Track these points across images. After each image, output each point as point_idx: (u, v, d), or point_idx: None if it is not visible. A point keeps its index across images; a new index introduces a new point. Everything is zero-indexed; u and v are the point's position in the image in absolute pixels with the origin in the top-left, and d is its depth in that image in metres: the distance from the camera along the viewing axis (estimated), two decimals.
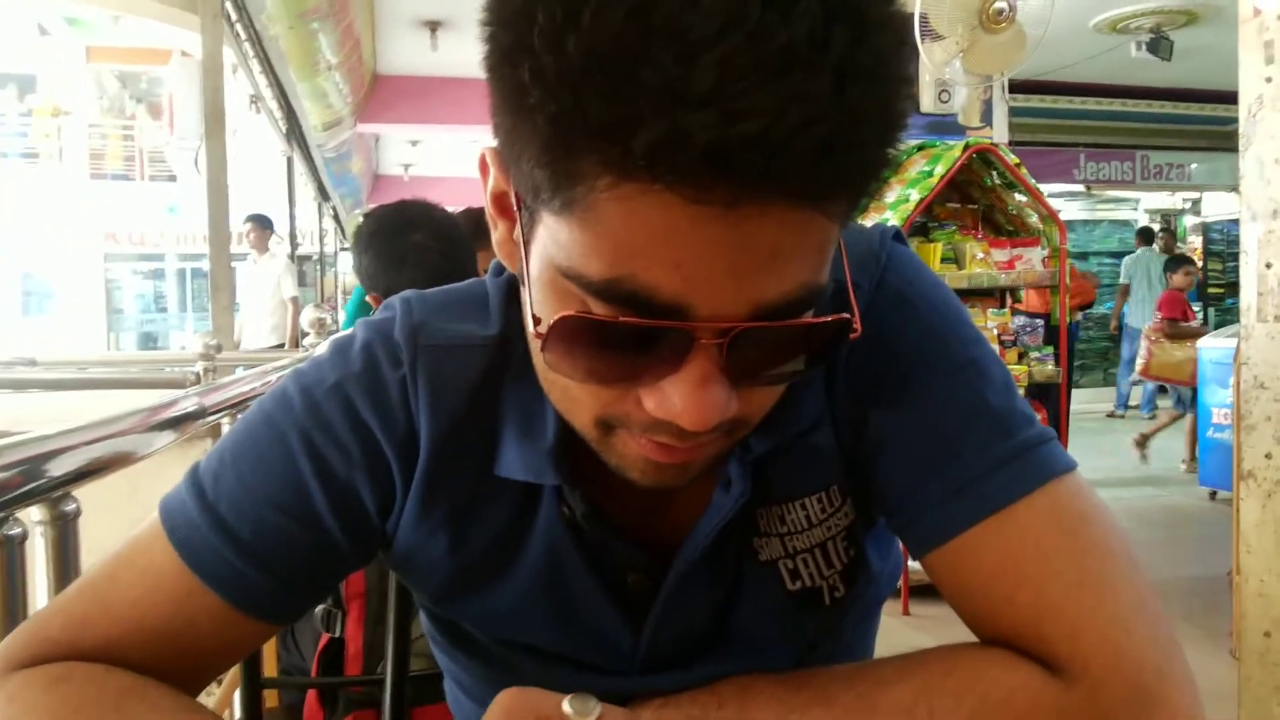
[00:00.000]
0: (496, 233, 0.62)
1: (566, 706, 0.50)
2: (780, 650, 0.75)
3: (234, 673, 1.42)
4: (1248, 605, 2.34)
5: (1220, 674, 2.85)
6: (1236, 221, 2.41)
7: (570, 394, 0.59)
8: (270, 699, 1.70)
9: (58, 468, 0.94)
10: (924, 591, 3.91)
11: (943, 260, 4.09)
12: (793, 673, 0.69)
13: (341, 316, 5.68)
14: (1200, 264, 10.90)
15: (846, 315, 0.57)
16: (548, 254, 0.54)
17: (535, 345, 0.56)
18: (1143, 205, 11.99)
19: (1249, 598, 2.34)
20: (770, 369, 0.57)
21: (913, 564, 0.68)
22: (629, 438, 0.59)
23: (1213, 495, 5.89)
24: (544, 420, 0.67)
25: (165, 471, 0.71)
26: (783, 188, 0.48)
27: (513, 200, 0.57)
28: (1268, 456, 2.30)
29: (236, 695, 1.25)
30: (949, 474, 0.66)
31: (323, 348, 0.73)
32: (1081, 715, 0.58)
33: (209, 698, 1.72)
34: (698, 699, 0.70)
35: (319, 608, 1.50)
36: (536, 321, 0.56)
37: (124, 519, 0.70)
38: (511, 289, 0.70)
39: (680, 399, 0.53)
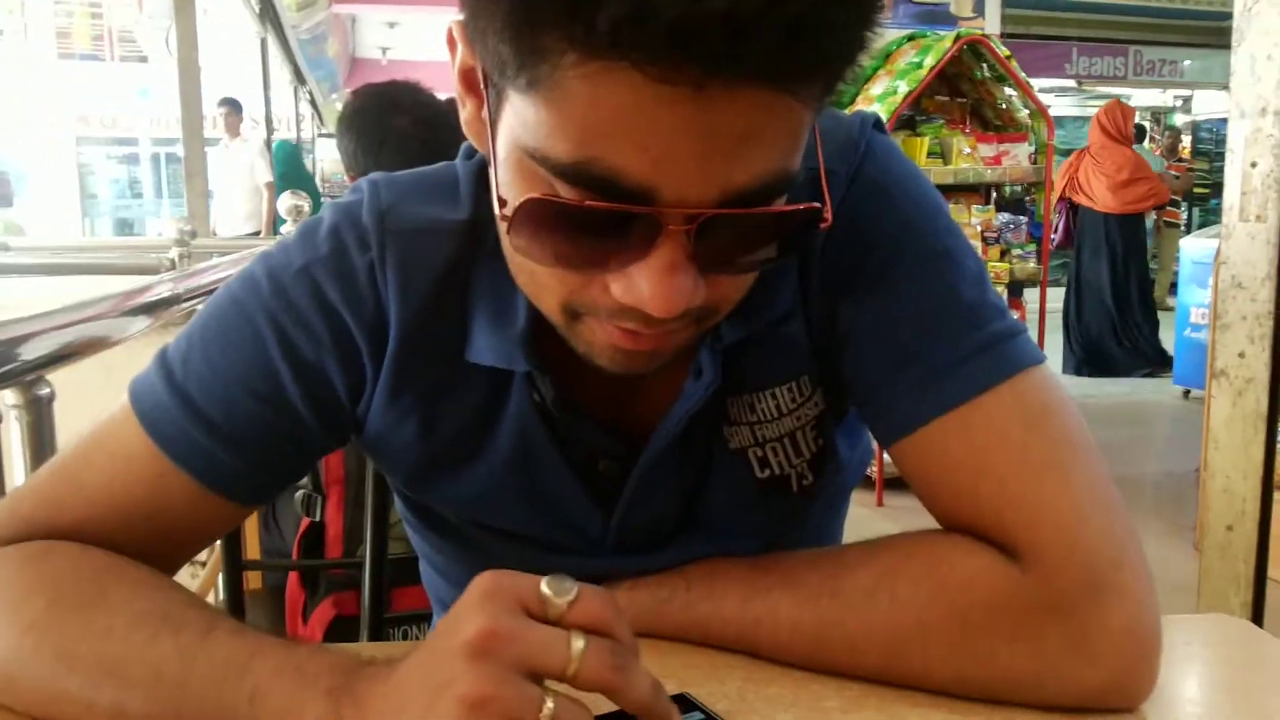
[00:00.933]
0: (465, 111, 0.60)
1: (544, 588, 0.50)
2: (748, 536, 0.76)
3: (217, 555, 1.44)
4: (1212, 500, 2.39)
5: (1182, 566, 2.93)
6: (1226, 121, 2.38)
7: (537, 278, 0.59)
8: (253, 581, 1.73)
9: (31, 351, 0.94)
10: (898, 484, 3.98)
11: (929, 155, 4.05)
12: (760, 556, 0.71)
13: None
14: (1188, 163, 10.85)
15: (818, 204, 0.56)
16: (514, 134, 0.53)
17: (502, 228, 0.56)
18: (1133, 102, 11.84)
19: (1214, 493, 2.39)
20: (739, 257, 0.57)
21: (887, 457, 0.68)
22: (596, 324, 0.59)
23: (1186, 394, 5.98)
24: (515, 306, 0.67)
25: (140, 358, 0.71)
26: (751, 69, 0.47)
27: (480, 77, 0.56)
28: (1241, 355, 2.33)
29: (221, 578, 1.27)
30: (918, 365, 0.66)
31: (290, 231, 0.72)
32: (1036, 599, 0.60)
33: (193, 580, 1.75)
34: (666, 581, 0.72)
35: (299, 493, 1.52)
36: (502, 203, 0.55)
37: (100, 406, 0.70)
38: (482, 172, 0.69)
39: (647, 285, 0.53)
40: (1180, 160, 9.51)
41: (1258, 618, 2.26)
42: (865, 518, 3.85)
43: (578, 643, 0.48)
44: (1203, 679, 0.69)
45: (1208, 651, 0.71)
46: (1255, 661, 0.70)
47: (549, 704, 0.47)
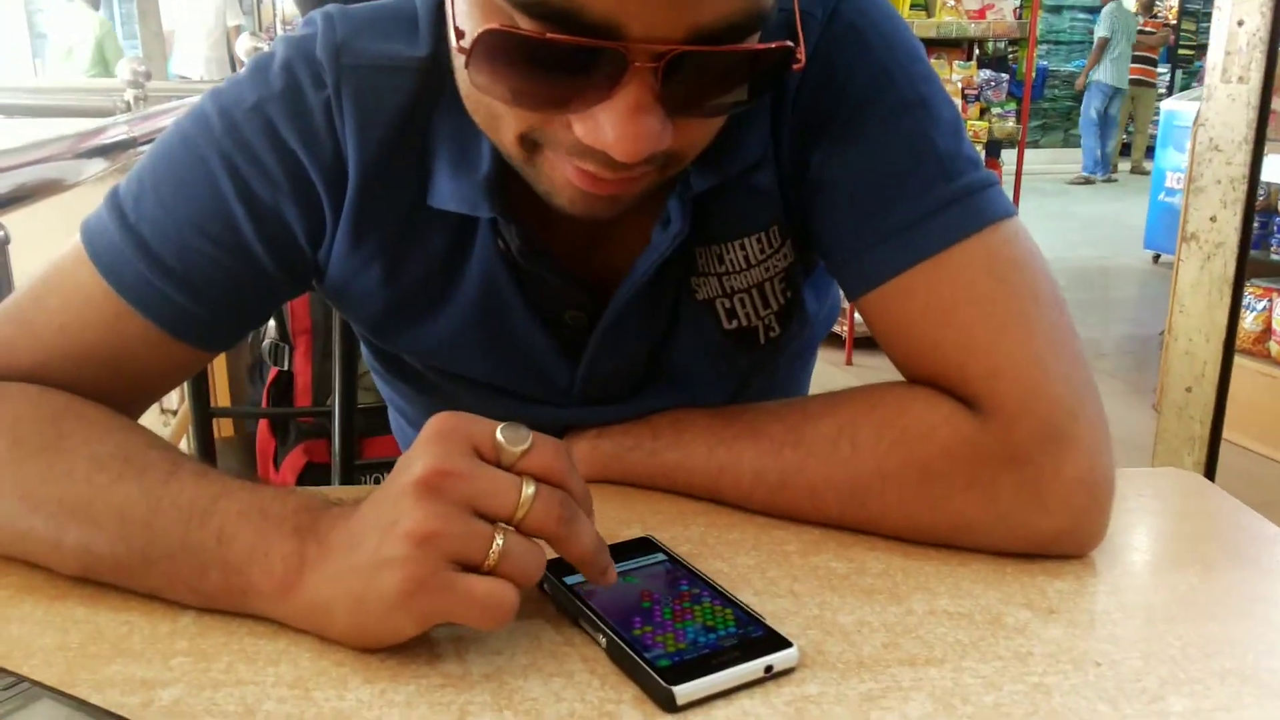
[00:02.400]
0: None
1: (499, 435, 0.50)
2: (714, 387, 0.76)
3: (188, 403, 1.44)
4: (1173, 362, 2.43)
5: (1140, 426, 3.00)
6: None
7: (494, 111, 0.56)
8: (225, 429, 1.73)
9: None
10: (867, 343, 4.03)
11: (912, 6, 3.95)
12: (725, 407, 0.71)
13: None
14: (1175, 23, 10.65)
15: (790, 43, 0.54)
16: None
17: (459, 61, 0.53)
18: None
19: (1176, 355, 2.43)
20: (709, 99, 0.55)
21: (858, 316, 0.68)
22: (556, 159, 0.57)
23: (1156, 259, 6.02)
24: (479, 151, 0.65)
25: (95, 203, 0.68)
26: None
27: None
28: (1212, 219, 2.33)
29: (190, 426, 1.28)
30: (888, 217, 0.65)
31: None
32: (995, 449, 0.61)
33: (165, 429, 1.76)
34: (632, 430, 0.72)
35: (266, 341, 1.51)
36: (459, 35, 0.53)
37: (55, 250, 0.68)
38: (442, 6, 0.66)
39: (612, 127, 0.51)
40: (1155, 17, 9.32)
41: (1209, 477, 2.33)
42: (834, 376, 3.90)
43: (528, 489, 0.49)
44: (1151, 528, 0.70)
45: (1158, 503, 0.73)
46: (1203, 512, 0.72)
47: (498, 541, 0.48)
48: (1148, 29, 9.28)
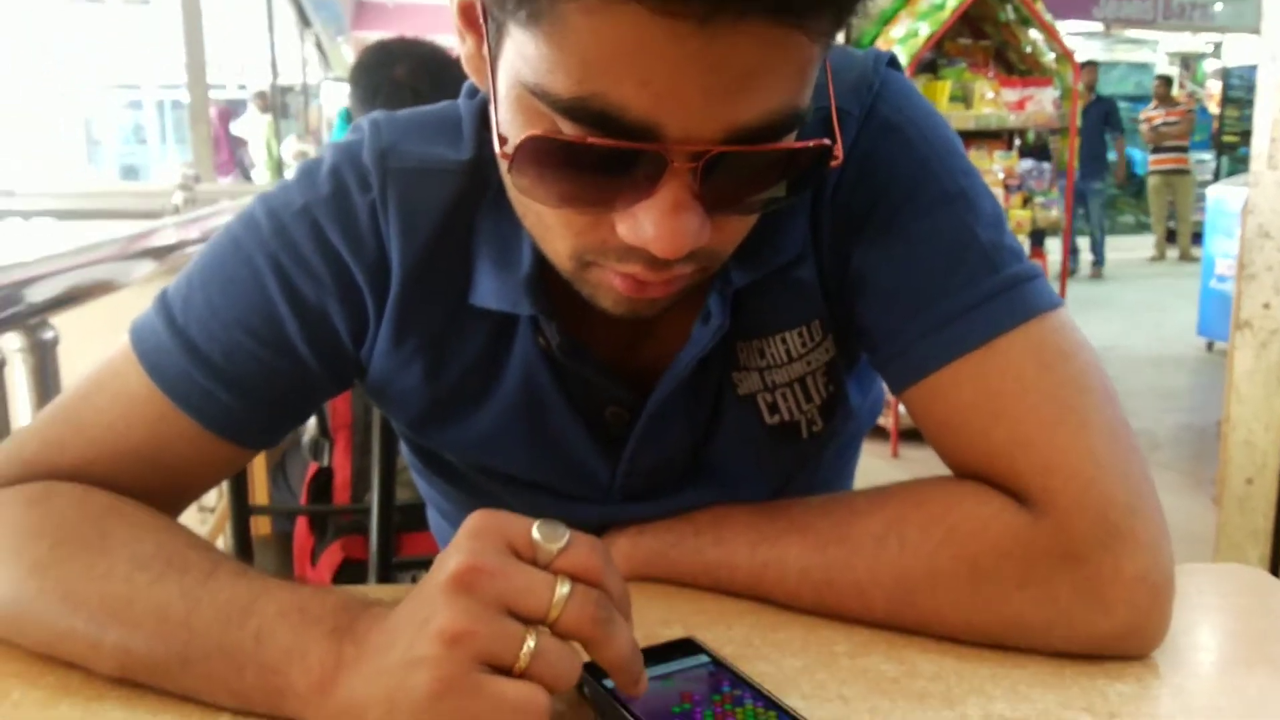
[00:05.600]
0: (465, 47, 0.59)
1: (535, 533, 0.50)
2: (757, 482, 0.75)
3: (225, 501, 1.45)
4: (1233, 452, 2.37)
5: (1200, 518, 2.92)
6: (1257, 67, 2.33)
7: (544, 220, 0.57)
8: (262, 527, 1.74)
9: (36, 294, 0.93)
10: (913, 435, 3.98)
11: (951, 99, 3.99)
12: (768, 503, 0.70)
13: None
14: (1218, 111, 10.67)
15: (827, 141, 0.55)
16: (515, 70, 0.52)
17: (503, 166, 0.54)
18: (1162, 47, 11.64)
19: (1235, 445, 2.37)
20: (747, 196, 0.55)
21: (903, 408, 0.67)
22: (602, 272, 0.58)
23: (1210, 346, 5.92)
24: (519, 249, 0.65)
25: (144, 304, 0.70)
26: (757, 3, 0.45)
27: (479, 12, 0.54)
28: (1266, 306, 2.29)
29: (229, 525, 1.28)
30: (932, 310, 0.64)
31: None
32: (1050, 546, 0.59)
33: (202, 526, 1.77)
34: (674, 526, 0.71)
35: (307, 437, 1.52)
36: (503, 141, 0.54)
37: (103, 350, 0.69)
38: (484, 111, 0.68)
39: (652, 225, 0.52)
40: (1176, 105, 9.35)
41: (1275, 572, 2.25)
42: (880, 469, 3.85)
43: (562, 588, 0.48)
44: (1216, 627, 0.68)
45: (1222, 600, 0.70)
46: (1270, 610, 0.69)
47: (530, 642, 0.47)
48: (1171, 119, 9.33)
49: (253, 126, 9.05)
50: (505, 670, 0.47)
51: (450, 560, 0.49)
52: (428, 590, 0.49)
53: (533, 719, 0.47)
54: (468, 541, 0.49)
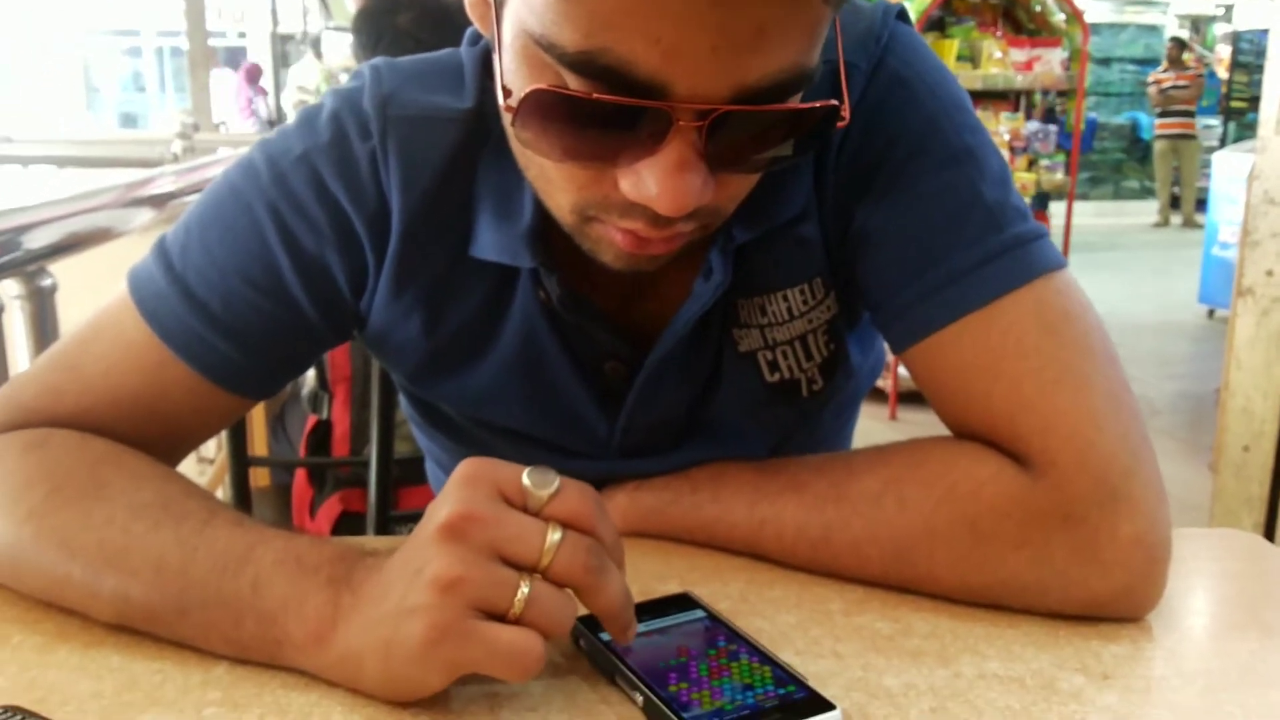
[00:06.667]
0: None
1: (525, 479, 0.50)
2: (756, 440, 0.75)
3: (225, 452, 1.45)
4: (1231, 420, 2.37)
5: (1196, 485, 2.93)
6: (1268, 32, 2.30)
7: (547, 174, 0.57)
8: (260, 478, 1.74)
9: (33, 241, 0.93)
10: (911, 397, 3.98)
11: (958, 58, 3.95)
12: (767, 461, 0.70)
13: None
14: (1227, 75, 10.58)
15: (835, 102, 0.54)
16: (521, 19, 0.51)
17: (507, 118, 0.54)
18: (1173, 9, 11.51)
19: (1233, 413, 2.37)
20: (752, 155, 0.55)
21: (902, 370, 0.67)
22: (605, 227, 0.57)
23: (1211, 314, 5.91)
24: (521, 202, 0.65)
25: (143, 253, 0.70)
26: None
27: None
28: (1269, 273, 2.28)
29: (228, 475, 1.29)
30: (935, 269, 0.64)
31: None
32: (1047, 507, 0.59)
33: (201, 477, 1.77)
34: (671, 483, 0.71)
35: (306, 389, 1.52)
36: (507, 93, 0.53)
37: (101, 299, 0.69)
38: (487, 59, 0.67)
39: (656, 182, 0.51)
40: (1187, 69, 9.27)
41: (1270, 539, 2.26)
42: (878, 431, 3.86)
43: (553, 535, 0.48)
44: (1210, 591, 0.68)
45: (1216, 565, 0.70)
46: (1264, 575, 0.69)
47: (524, 588, 0.47)
48: (1181, 83, 9.25)
49: (308, 74, 8.90)
50: (499, 616, 0.48)
51: (441, 508, 0.49)
52: (420, 539, 0.49)
53: (529, 663, 0.47)
54: (458, 490, 0.49)
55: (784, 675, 0.52)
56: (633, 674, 0.51)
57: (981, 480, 0.61)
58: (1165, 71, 9.38)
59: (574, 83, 0.50)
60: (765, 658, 0.53)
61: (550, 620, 0.48)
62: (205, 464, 1.81)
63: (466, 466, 0.50)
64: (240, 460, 1.17)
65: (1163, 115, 9.53)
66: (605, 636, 0.54)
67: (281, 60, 8.70)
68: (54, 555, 0.58)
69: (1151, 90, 9.54)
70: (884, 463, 0.65)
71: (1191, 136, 9.53)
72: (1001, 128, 4.06)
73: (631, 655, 0.53)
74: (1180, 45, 9.66)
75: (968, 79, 3.86)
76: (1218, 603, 0.67)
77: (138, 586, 0.56)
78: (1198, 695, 0.53)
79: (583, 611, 0.51)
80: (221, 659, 0.55)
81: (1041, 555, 0.59)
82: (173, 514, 0.58)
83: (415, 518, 1.37)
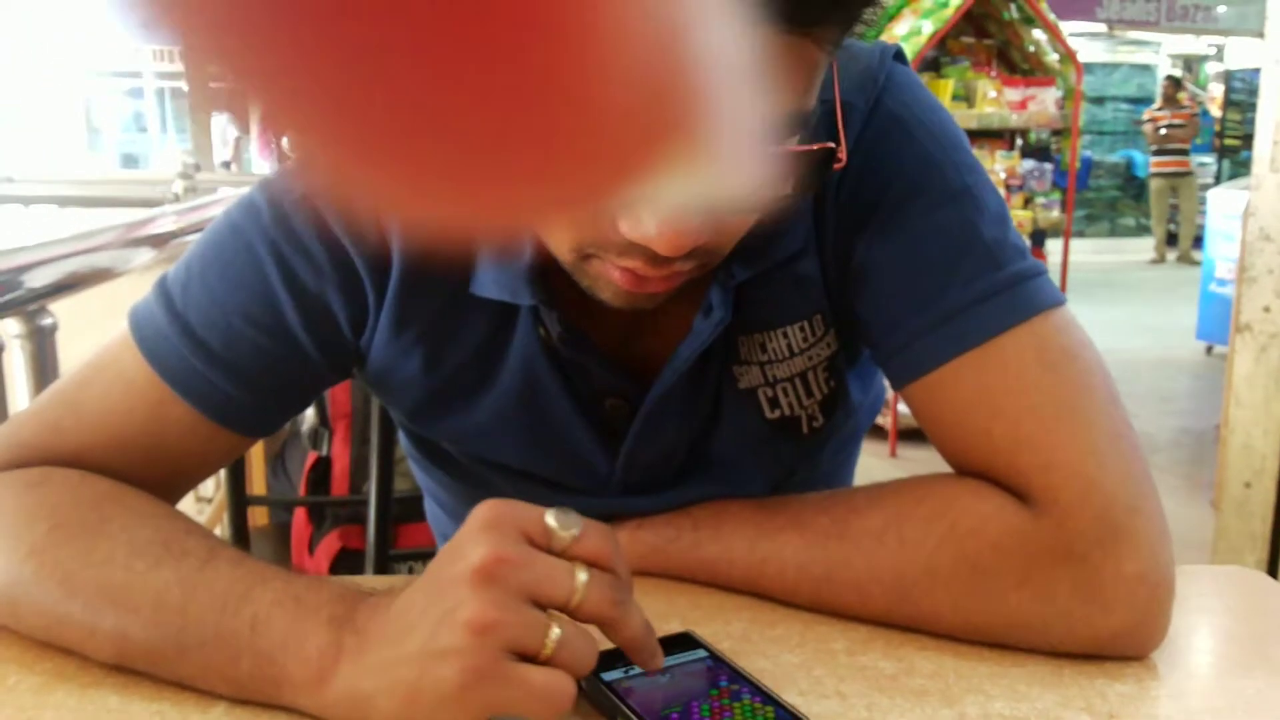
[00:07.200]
0: None
1: (550, 519, 0.50)
2: (756, 477, 0.75)
3: (224, 490, 1.45)
4: (1232, 456, 2.37)
5: (1197, 523, 2.91)
6: (1260, 71, 2.32)
7: None
8: (259, 517, 1.74)
9: (34, 280, 0.93)
10: (911, 435, 3.97)
11: (953, 97, 3.98)
12: (768, 499, 0.70)
13: None
14: (1220, 114, 10.67)
15: (832, 144, 0.54)
16: None
17: None
18: (1165, 49, 11.63)
19: (1234, 449, 2.36)
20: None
21: (902, 407, 0.67)
22: (603, 266, 0.57)
23: (1209, 350, 5.91)
24: (521, 239, 0.65)
25: (144, 293, 0.70)
26: (764, 12, 0.45)
27: None
28: (1266, 310, 2.29)
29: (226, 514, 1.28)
30: (934, 306, 0.64)
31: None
32: (1048, 544, 0.59)
33: (200, 515, 1.77)
34: (672, 521, 0.71)
35: (306, 426, 1.52)
36: None
37: (102, 338, 0.69)
38: None
39: (654, 223, 0.52)
40: (1182, 108, 9.35)
41: (1273, 575, 2.24)
42: (878, 468, 3.85)
43: (581, 575, 0.49)
44: (1215, 629, 0.67)
45: (1221, 602, 0.70)
46: (1268, 612, 0.69)
47: (555, 630, 0.48)
48: (1176, 121, 9.32)
49: None
50: (530, 658, 0.48)
51: (472, 551, 0.49)
52: (447, 580, 0.49)
53: (562, 704, 0.47)
54: (483, 533, 0.49)
55: (787, 716, 0.51)
56: (634, 715, 0.51)
57: (983, 517, 0.61)
58: (1160, 109, 9.45)
59: None
60: (768, 698, 0.53)
61: (579, 660, 0.49)
62: (203, 503, 1.80)
63: (487, 509, 0.51)
64: (239, 499, 1.17)
65: (1158, 154, 9.60)
66: (608, 677, 0.54)
67: None
68: (54, 593, 0.58)
69: (1147, 128, 9.61)
70: (885, 500, 0.65)
71: (1188, 174, 9.59)
72: (997, 166, 4.09)
73: (633, 696, 0.53)
74: (1176, 84, 9.74)
75: (963, 118, 3.89)
76: (1223, 640, 0.66)
77: (137, 625, 0.55)
78: None
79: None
80: (220, 699, 0.54)
81: (1044, 593, 0.59)
82: (173, 552, 0.58)
83: (414, 555, 1.37)
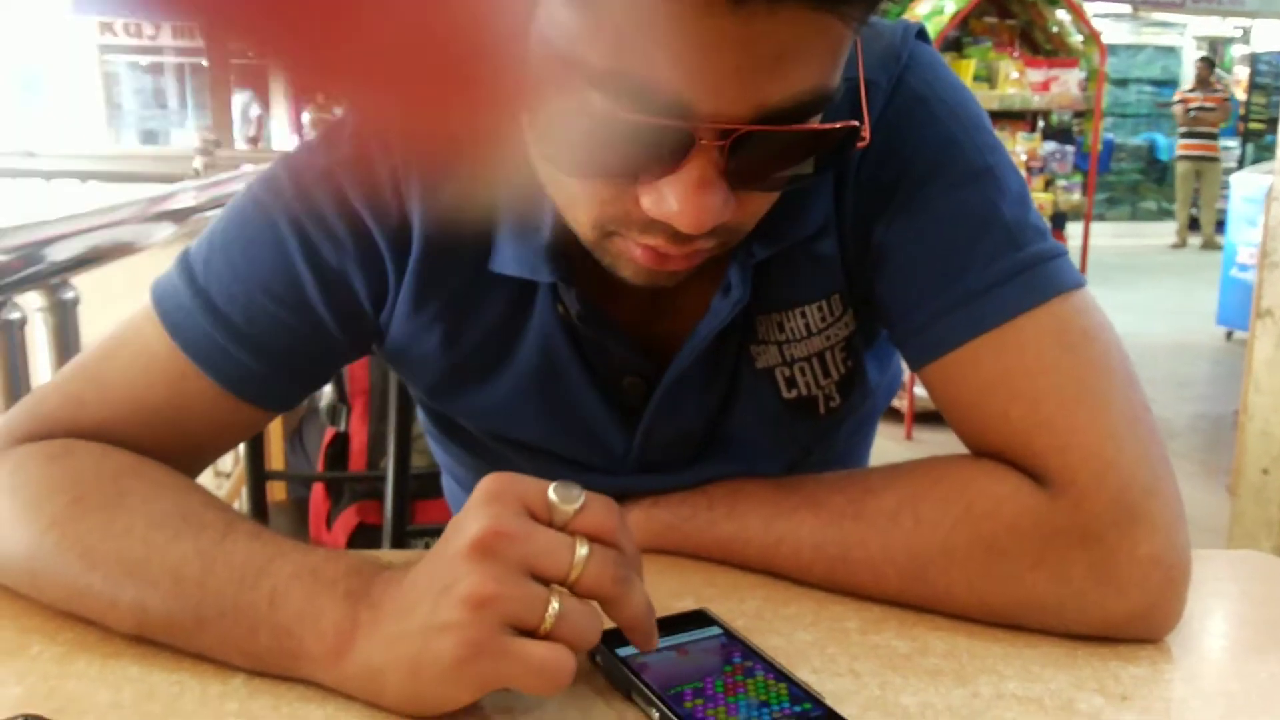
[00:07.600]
0: None
1: (551, 493, 0.50)
2: (773, 457, 0.75)
3: (242, 465, 1.46)
4: (1250, 442, 2.36)
5: (1213, 508, 2.90)
6: None
7: (567, 189, 0.57)
8: (277, 492, 1.75)
9: (56, 254, 0.94)
10: (928, 417, 3.97)
11: (975, 78, 3.95)
12: (784, 478, 0.70)
13: None
14: (1245, 97, 10.55)
15: (855, 123, 0.54)
16: (544, 34, 0.51)
17: (529, 134, 0.54)
18: (1190, 31, 11.49)
19: (1252, 435, 2.35)
20: (772, 174, 0.55)
21: (918, 390, 0.67)
22: (625, 243, 0.57)
23: (1229, 335, 5.87)
24: (541, 216, 0.65)
25: (163, 267, 0.70)
26: None
27: None
28: None
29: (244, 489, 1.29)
30: (954, 287, 0.64)
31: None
32: (1066, 526, 0.59)
33: (219, 490, 1.78)
34: (688, 499, 0.71)
35: (324, 402, 1.53)
36: (529, 110, 0.53)
37: (123, 312, 0.70)
38: None
39: (676, 200, 0.52)
40: (1215, 91, 9.23)
41: None
42: (893, 450, 3.84)
43: (581, 549, 0.49)
44: (1229, 613, 0.67)
45: (1236, 587, 0.70)
46: None
47: (554, 604, 0.48)
48: (1208, 105, 9.20)
49: None
50: (529, 632, 0.48)
51: (471, 525, 0.49)
52: (448, 555, 0.49)
53: (560, 679, 0.47)
54: (485, 506, 0.49)
55: (800, 693, 0.52)
56: (649, 690, 0.51)
57: (999, 498, 0.61)
58: (1193, 90, 9.33)
59: (598, 100, 0.50)
60: (781, 675, 0.53)
61: (579, 635, 0.49)
62: (222, 478, 1.81)
63: (490, 482, 0.51)
64: (257, 474, 1.18)
65: (1186, 136, 9.49)
66: (622, 652, 0.54)
67: None
68: (75, 564, 0.58)
69: (1177, 109, 9.49)
70: (901, 480, 0.65)
71: (1215, 159, 9.47)
72: (1019, 147, 4.06)
73: (648, 671, 0.53)
74: (1209, 65, 9.61)
75: (985, 99, 3.86)
76: (1237, 624, 0.66)
77: (156, 597, 0.56)
78: (1217, 717, 0.53)
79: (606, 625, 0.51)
80: (239, 671, 0.55)
81: (1059, 574, 0.59)
82: (192, 525, 0.58)
83: (431, 531, 1.38)
